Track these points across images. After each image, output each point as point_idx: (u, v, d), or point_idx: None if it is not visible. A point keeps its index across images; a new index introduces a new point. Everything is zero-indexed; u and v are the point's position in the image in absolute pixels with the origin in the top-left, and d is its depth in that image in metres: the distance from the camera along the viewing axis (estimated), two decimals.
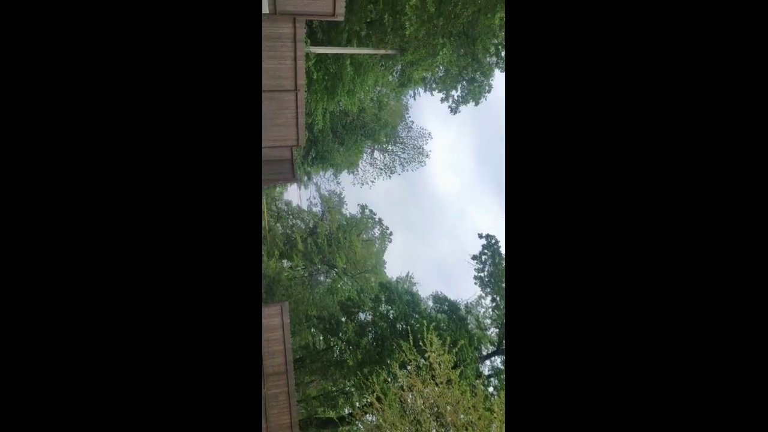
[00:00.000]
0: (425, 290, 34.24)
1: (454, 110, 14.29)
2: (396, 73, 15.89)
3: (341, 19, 7.44)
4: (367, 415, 9.63)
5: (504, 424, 6.76)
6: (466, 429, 7.33)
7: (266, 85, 8.22)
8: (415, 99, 20.23)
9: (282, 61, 7.91)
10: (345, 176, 24.90)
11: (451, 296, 16.60)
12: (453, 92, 14.07)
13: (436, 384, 8.25)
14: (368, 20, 12.16)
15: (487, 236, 15.92)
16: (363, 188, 26.30)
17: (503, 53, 12.86)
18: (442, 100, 14.40)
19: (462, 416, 7.70)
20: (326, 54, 12.24)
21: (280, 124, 9.00)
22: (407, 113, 24.04)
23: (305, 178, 21.85)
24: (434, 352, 8.46)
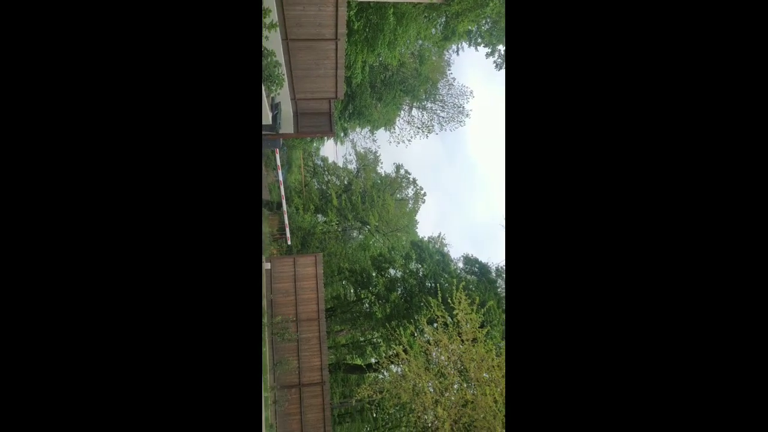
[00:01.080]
0: (456, 252, 34.33)
1: (499, 66, 13.56)
2: (439, 25, 15.11)
3: None
4: (393, 365, 10.08)
5: None
6: (489, 386, 7.55)
7: (306, 33, 8.07)
8: (458, 54, 19.31)
9: (323, 7, 7.69)
10: (381, 134, 24.64)
11: (482, 259, 16.55)
12: (500, 47, 13.29)
13: (462, 341, 8.46)
14: None
15: None
16: (399, 147, 25.97)
17: None
18: (488, 55, 13.67)
19: (485, 374, 7.91)
20: (368, 2, 11.77)
21: (320, 75, 8.90)
22: (449, 69, 23.09)
23: (342, 134, 21.80)
24: (462, 310, 8.60)
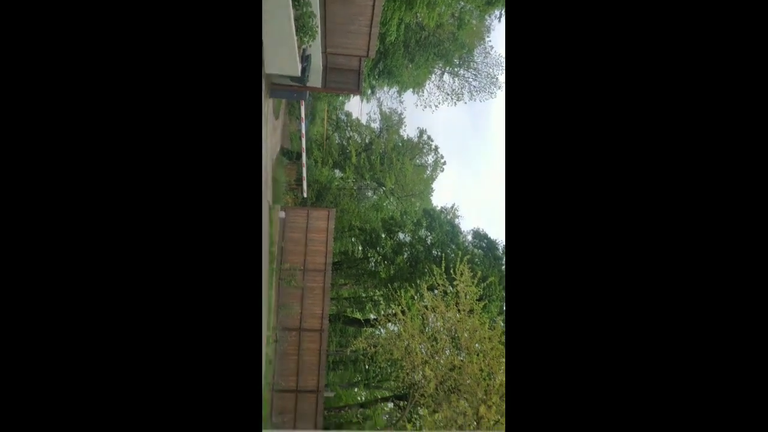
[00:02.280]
0: (466, 224, 34.35)
1: None
2: None
3: None
4: (390, 324, 10.58)
5: None
6: (478, 355, 7.94)
7: None
8: (500, 21, 18.43)
9: None
10: (409, 96, 24.16)
11: (492, 235, 16.66)
12: None
13: (459, 311, 8.80)
14: None
15: None
16: (425, 111, 25.48)
17: None
18: None
19: (477, 345, 8.29)
20: None
21: (352, 31, 8.74)
22: (488, 36, 22.17)
23: (369, 91, 21.46)
24: (463, 282, 8.88)
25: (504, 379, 6.73)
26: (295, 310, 11.15)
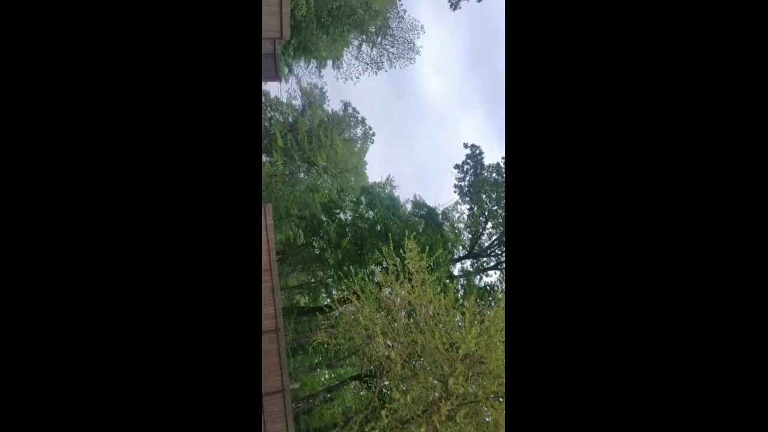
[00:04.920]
0: (405, 193, 35.01)
1: (454, 5, 12.96)
2: None
3: None
4: (345, 306, 10.55)
5: (472, 318, 7.59)
6: (433, 318, 8.22)
7: None
8: None
9: None
10: (328, 70, 23.25)
11: (429, 201, 17.09)
12: None
13: (412, 286, 8.97)
14: None
15: (472, 146, 15.87)
16: (347, 84, 24.83)
17: None
18: None
19: (431, 311, 8.56)
20: None
21: (263, 12, 7.99)
22: (399, 1, 21.67)
23: (285, 69, 20.25)
24: (412, 259, 9.01)
25: (466, 349, 7.04)
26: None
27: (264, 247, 11.15)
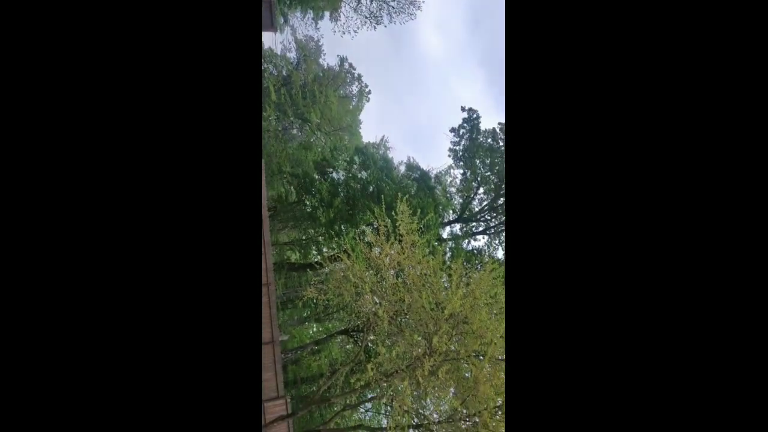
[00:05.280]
0: (399, 155, 34.70)
1: None
2: None
3: None
4: (335, 263, 10.77)
5: (459, 280, 7.86)
6: (421, 279, 8.48)
7: None
8: None
9: None
10: (325, 22, 22.24)
11: (422, 163, 17.05)
12: None
13: (402, 248, 9.15)
14: None
15: (469, 110, 15.65)
16: (344, 38, 23.87)
17: None
18: None
19: (419, 272, 8.81)
20: None
21: None
22: None
23: (281, 20, 19.32)
24: (404, 221, 9.14)
25: (451, 309, 7.33)
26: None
27: None
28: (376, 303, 8.55)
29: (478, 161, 15.28)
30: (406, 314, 8.43)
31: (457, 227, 16.47)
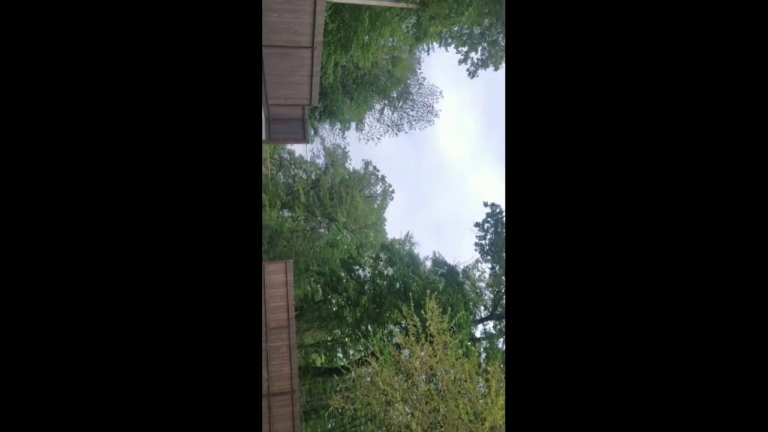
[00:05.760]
0: (424, 251, 34.84)
1: (472, 74, 13.67)
2: (410, 25, 15.03)
3: None
4: (363, 367, 10.14)
5: (498, 386, 7.15)
6: (455, 385, 7.76)
7: (282, 40, 7.77)
8: (428, 54, 19.31)
9: (299, 15, 7.42)
10: (351, 131, 24.39)
11: (448, 258, 16.89)
12: (473, 54, 13.40)
13: (434, 350, 8.62)
14: None
15: (492, 205, 15.93)
16: (368, 144, 25.81)
17: None
18: (460, 62, 13.73)
19: (453, 376, 8.13)
20: (343, 3, 11.49)
21: (294, 82, 8.62)
22: (419, 68, 23.09)
23: (312, 132, 21.36)
24: (434, 320, 8.75)
25: (492, 421, 6.57)
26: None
27: (283, 303, 11.07)
28: (407, 413, 7.80)
29: (504, 255, 15.06)
30: (441, 426, 7.60)
31: (490, 325, 15.61)
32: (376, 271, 15.50)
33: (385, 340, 11.60)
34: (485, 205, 15.93)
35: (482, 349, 13.97)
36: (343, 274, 16.17)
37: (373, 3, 11.14)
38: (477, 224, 16.08)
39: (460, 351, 9.22)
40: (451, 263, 16.77)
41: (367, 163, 25.80)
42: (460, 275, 16.23)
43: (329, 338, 18.45)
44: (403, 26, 14.65)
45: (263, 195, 21.15)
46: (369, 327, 13.13)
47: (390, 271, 15.37)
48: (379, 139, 23.67)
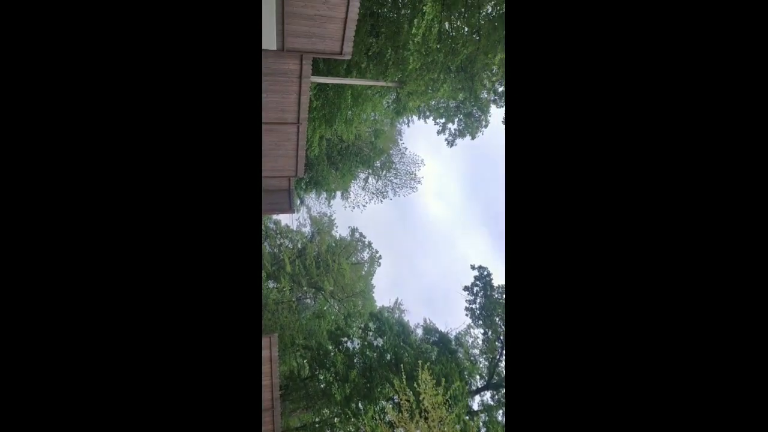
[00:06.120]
0: (414, 318, 33.97)
1: (450, 143, 14.41)
2: (390, 101, 16.04)
3: (348, 57, 7.46)
4: None
5: None
6: None
7: (269, 117, 8.14)
8: (408, 126, 20.45)
9: (286, 95, 7.86)
10: (337, 200, 24.82)
11: (439, 324, 16.42)
12: (450, 125, 14.22)
13: (429, 427, 8.03)
14: (369, 53, 12.29)
15: (480, 267, 15.91)
16: (354, 212, 26.18)
17: (501, 89, 13.08)
18: (439, 132, 14.51)
19: None
20: (327, 84, 12.29)
21: (281, 155, 8.89)
22: (400, 139, 24.25)
23: (298, 201, 21.66)
24: (428, 393, 8.26)
25: None
26: None
27: (267, 382, 10.34)
28: None
29: (497, 318, 14.74)
30: None
31: (487, 395, 14.80)
32: (366, 343, 14.87)
33: (377, 418, 10.79)
34: (473, 268, 15.91)
35: (481, 423, 13.07)
36: (330, 347, 15.44)
37: (355, 82, 11.95)
38: (466, 288, 15.91)
39: (457, 427, 8.61)
40: (442, 330, 16.29)
41: (353, 230, 25.93)
42: (453, 342, 15.69)
43: (317, 419, 17.09)
44: (384, 102, 15.62)
45: None
46: (359, 404, 12.26)
47: (380, 341, 14.76)
48: (364, 206, 24.06)
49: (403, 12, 12.26)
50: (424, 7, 10.55)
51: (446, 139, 14.40)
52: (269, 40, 6.94)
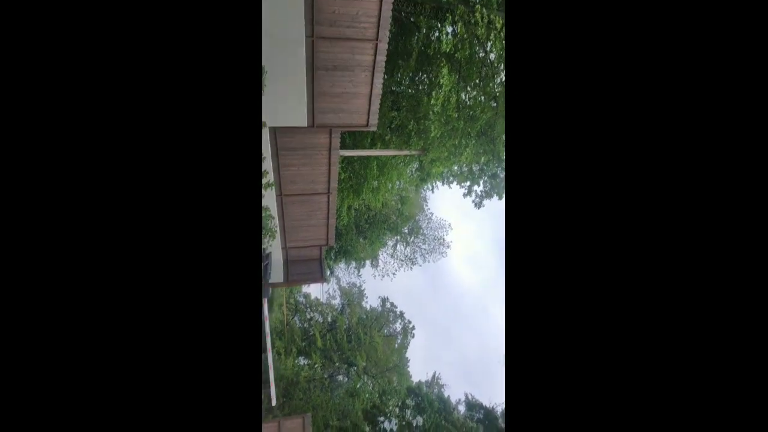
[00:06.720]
0: (455, 393, 31.58)
1: (478, 204, 14.42)
2: (413, 169, 16.51)
3: (374, 129, 7.85)
4: None
5: None
6: None
7: (299, 189, 8.45)
8: (432, 192, 20.79)
9: (316, 167, 8.22)
10: (366, 269, 24.72)
11: (482, 399, 15.07)
12: (476, 187, 14.34)
13: None
14: (392, 125, 12.94)
15: None
16: (384, 280, 25.85)
17: None
18: (465, 195, 14.61)
19: None
20: (353, 156, 12.86)
21: (311, 224, 9.07)
22: (426, 205, 24.53)
23: (328, 272, 21.68)
24: None
25: None
26: None
27: None
28: None
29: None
30: None
31: None
32: (404, 422, 13.75)
33: None
34: None
35: None
36: (367, 429, 14.33)
37: (379, 153, 12.45)
38: None
39: None
40: (486, 405, 14.96)
41: (384, 300, 25.36)
42: (500, 419, 14.29)
43: None
44: (408, 170, 16.10)
45: (278, 341, 20.31)
46: None
47: (420, 420, 13.63)
48: (394, 274, 23.77)
49: (420, 87, 13.07)
50: (441, 80, 11.21)
51: (473, 201, 14.44)
52: (300, 117, 7.43)
